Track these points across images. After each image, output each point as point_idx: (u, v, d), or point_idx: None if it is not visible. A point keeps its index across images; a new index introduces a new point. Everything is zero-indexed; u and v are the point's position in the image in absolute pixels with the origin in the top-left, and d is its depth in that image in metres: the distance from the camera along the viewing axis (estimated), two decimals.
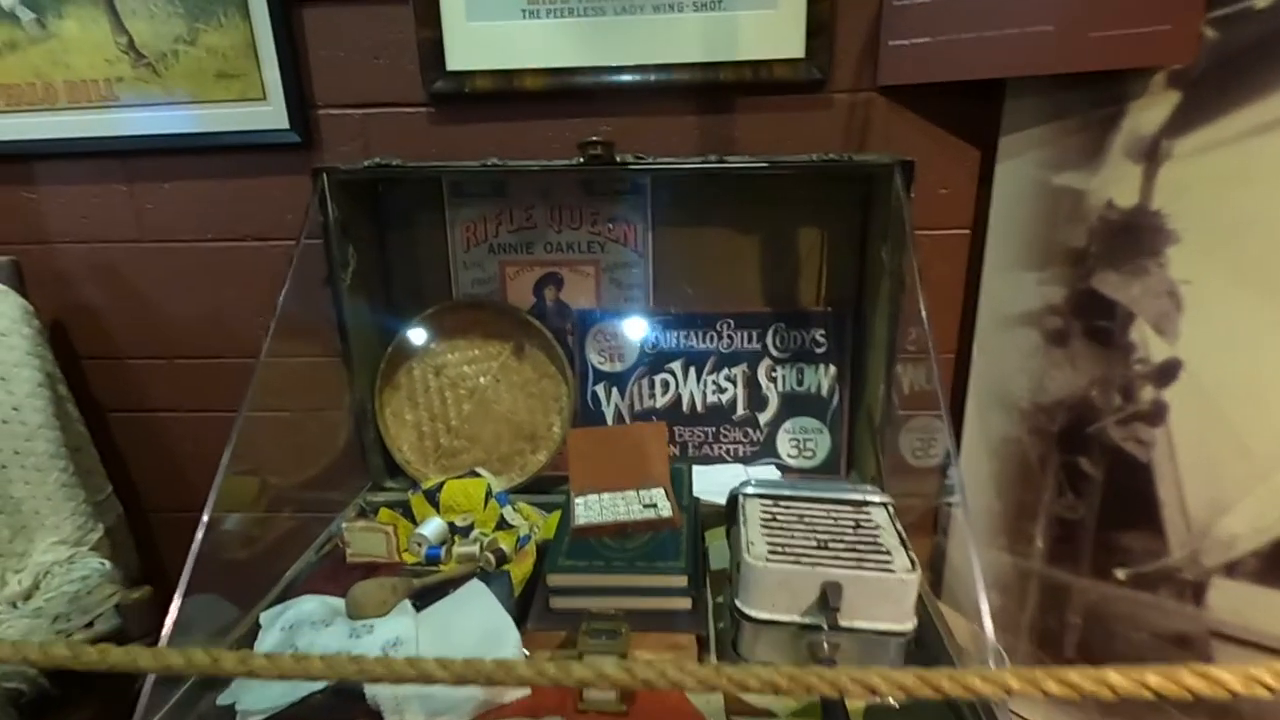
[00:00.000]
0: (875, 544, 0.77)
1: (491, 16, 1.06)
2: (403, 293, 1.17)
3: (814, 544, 0.77)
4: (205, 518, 0.76)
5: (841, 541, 0.78)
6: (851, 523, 0.82)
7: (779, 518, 0.83)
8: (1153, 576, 1.05)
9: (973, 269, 1.16)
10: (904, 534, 0.79)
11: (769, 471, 1.15)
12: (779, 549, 0.76)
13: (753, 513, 0.83)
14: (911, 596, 0.72)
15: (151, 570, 1.38)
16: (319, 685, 0.69)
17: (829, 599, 0.71)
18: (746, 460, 1.16)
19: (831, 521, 0.82)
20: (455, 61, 1.08)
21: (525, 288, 1.16)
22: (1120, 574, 1.08)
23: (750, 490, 0.87)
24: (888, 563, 0.74)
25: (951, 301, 1.19)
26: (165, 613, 0.73)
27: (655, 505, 0.89)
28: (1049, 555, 1.16)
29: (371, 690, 0.69)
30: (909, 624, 0.73)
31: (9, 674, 0.92)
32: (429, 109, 1.13)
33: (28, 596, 1.10)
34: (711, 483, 1.11)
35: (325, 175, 0.99)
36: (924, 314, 0.84)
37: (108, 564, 1.17)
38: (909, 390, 1.13)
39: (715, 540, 1.01)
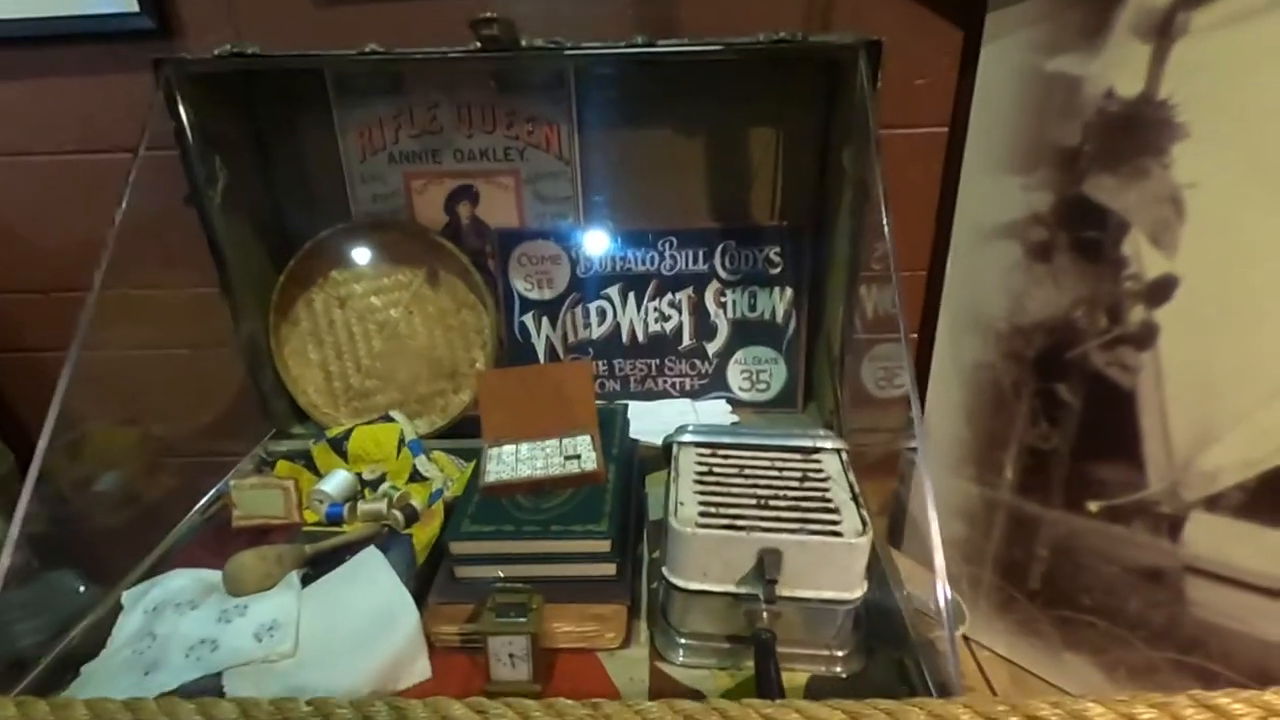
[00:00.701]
0: (823, 500, 0.67)
1: None
2: (293, 211, 1.00)
3: (753, 502, 0.67)
4: (31, 479, 0.64)
5: (785, 498, 0.68)
6: (798, 474, 0.71)
7: (715, 470, 0.72)
8: (1127, 509, 0.98)
9: (949, 174, 1.02)
10: (857, 486, 0.69)
11: (719, 407, 1.04)
12: (711, 510, 0.66)
13: (686, 465, 0.73)
14: (861, 562, 0.63)
15: None
16: (170, 685, 0.59)
17: (766, 569, 0.61)
18: (695, 394, 1.05)
19: (775, 474, 0.72)
20: None
21: (435, 203, 1.00)
22: (1093, 506, 1.01)
23: (686, 438, 0.76)
24: (835, 523, 0.64)
25: (924, 212, 1.06)
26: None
27: (578, 456, 0.78)
28: (1018, 486, 1.08)
29: (233, 690, 0.59)
30: (857, 592, 0.64)
31: None
32: None
33: None
34: (655, 421, 1.01)
35: (170, 68, 0.81)
36: (887, 227, 0.70)
37: None
38: (873, 314, 1.01)
39: (657, 486, 0.91)
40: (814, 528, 0.63)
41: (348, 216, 1.00)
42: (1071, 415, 0.99)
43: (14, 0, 0.95)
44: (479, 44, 0.75)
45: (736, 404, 1.05)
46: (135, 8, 0.94)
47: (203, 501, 0.87)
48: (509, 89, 0.94)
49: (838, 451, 0.75)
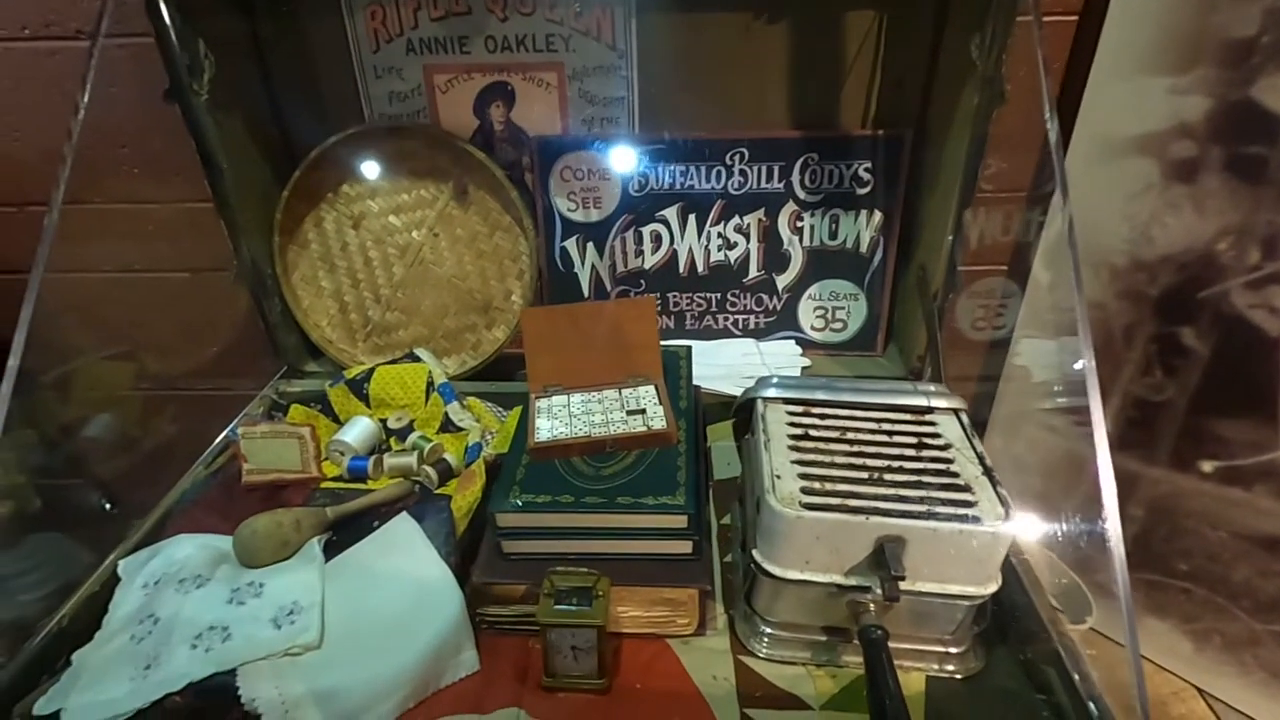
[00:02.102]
0: (948, 474, 0.56)
1: None
2: (296, 112, 0.85)
3: (864, 475, 0.56)
4: None
5: (902, 471, 0.56)
6: (913, 440, 0.60)
7: (812, 434, 0.60)
8: (1249, 471, 0.87)
9: (1073, 74, 0.85)
10: (987, 458, 0.57)
11: (786, 348, 0.91)
12: (816, 486, 0.54)
13: (776, 427, 0.61)
14: (1001, 554, 0.52)
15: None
16: (176, 685, 0.50)
17: (888, 560, 0.50)
18: (759, 334, 0.92)
19: (885, 439, 0.60)
20: None
21: (463, 104, 0.84)
22: (1207, 466, 0.90)
23: (771, 392, 0.64)
24: (969, 504, 0.52)
25: (1034, 121, 0.89)
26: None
27: (643, 411, 0.66)
28: (1117, 440, 0.96)
29: (249, 691, 0.50)
30: (991, 586, 0.53)
31: None
32: None
33: None
34: (714, 364, 0.89)
35: None
36: (1054, 139, 0.55)
37: None
38: (977, 243, 0.87)
39: (718, 439, 0.80)
40: (944, 511, 0.52)
41: (360, 119, 0.85)
42: (1194, 364, 0.87)
43: None
44: None
45: (806, 345, 0.92)
46: None
47: (207, 452, 0.76)
48: None
49: (955, 412, 0.63)
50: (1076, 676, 0.52)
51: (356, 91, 0.84)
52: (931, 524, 0.51)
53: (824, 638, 0.57)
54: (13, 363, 0.52)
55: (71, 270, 1.02)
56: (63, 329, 0.65)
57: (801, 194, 0.85)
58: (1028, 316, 0.97)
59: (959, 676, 0.56)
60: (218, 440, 0.78)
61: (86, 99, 0.60)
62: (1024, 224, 0.89)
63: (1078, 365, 0.54)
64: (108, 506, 0.87)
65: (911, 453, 0.58)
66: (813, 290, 0.90)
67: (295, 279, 0.88)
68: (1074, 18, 0.83)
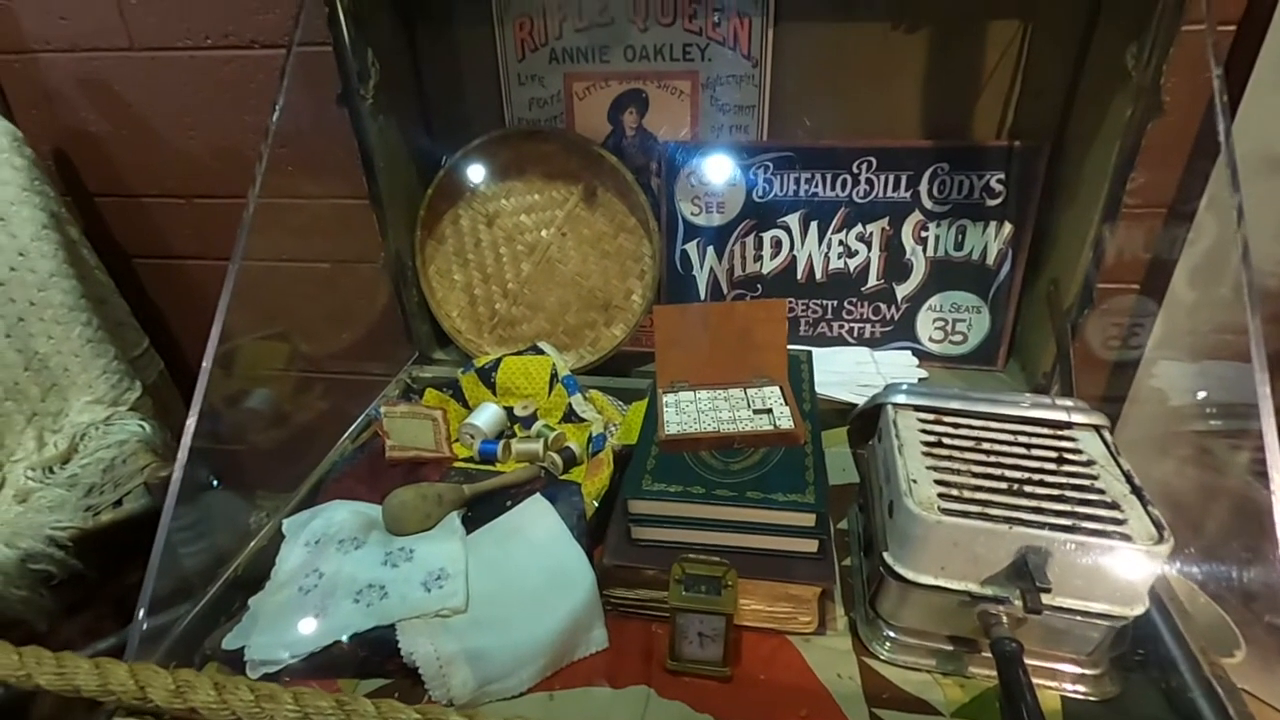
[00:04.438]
0: (1094, 490, 0.54)
1: None
2: (444, 116, 0.91)
3: (1003, 486, 0.55)
4: (195, 406, 0.59)
5: (1043, 484, 0.55)
6: (1053, 454, 0.59)
7: (946, 441, 0.60)
8: None
9: (1229, 87, 0.81)
10: (1135, 476, 0.56)
11: (903, 358, 0.91)
12: (954, 493, 0.54)
13: (909, 432, 0.61)
14: (1152, 575, 0.50)
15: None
16: (343, 633, 0.54)
17: (1031, 572, 0.50)
18: (875, 343, 0.92)
19: (1023, 451, 0.59)
20: None
21: (598, 111, 0.88)
22: None
23: (901, 399, 0.64)
24: (1119, 522, 0.51)
25: (1180, 136, 0.86)
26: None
27: (770, 411, 0.67)
28: (1254, 473, 0.91)
29: (408, 645, 0.54)
30: (1138, 608, 0.52)
31: (37, 555, 0.84)
32: None
33: (65, 460, 1.02)
34: (829, 370, 0.89)
35: None
36: (1227, 154, 0.54)
37: (148, 426, 1.06)
38: (1115, 259, 0.84)
39: (832, 445, 0.80)
40: (1091, 526, 0.51)
41: (501, 123, 0.90)
42: None
43: None
44: None
45: (923, 356, 0.91)
46: None
47: (353, 427, 0.83)
48: None
49: (1097, 429, 0.61)
50: (1232, 710, 0.50)
51: (499, 97, 0.89)
52: (1079, 538, 0.50)
53: (950, 647, 0.57)
54: (213, 339, 0.58)
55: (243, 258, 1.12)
56: (229, 309, 0.72)
57: (928, 204, 0.85)
58: (1164, 336, 0.93)
59: (1094, 699, 0.55)
60: (361, 418, 0.85)
61: (282, 101, 0.67)
62: (1166, 240, 0.85)
63: (1259, 397, 0.52)
64: (215, 483, 0.96)
65: (1052, 466, 0.57)
66: (933, 301, 0.89)
67: (431, 272, 0.94)
68: (1231, 27, 0.80)
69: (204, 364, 0.59)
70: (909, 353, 0.91)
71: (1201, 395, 0.88)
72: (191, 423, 0.58)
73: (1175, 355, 0.89)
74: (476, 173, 0.90)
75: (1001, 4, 0.76)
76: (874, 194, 0.85)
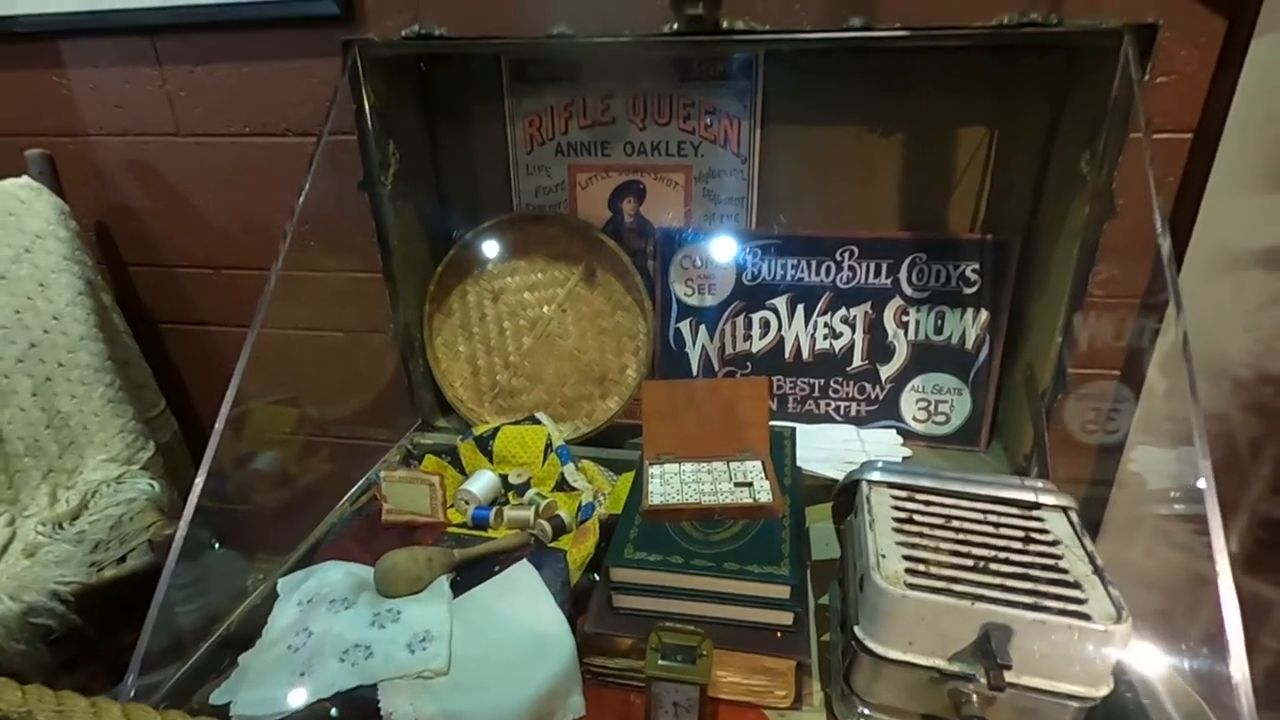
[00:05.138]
0: (1057, 570, 0.56)
1: None
2: (456, 200, 0.98)
3: (969, 563, 0.57)
4: (205, 466, 0.63)
5: (1009, 563, 0.57)
6: (1019, 534, 0.61)
7: (916, 518, 0.62)
8: None
9: (1188, 188, 0.87)
10: (1098, 558, 0.58)
11: (888, 437, 0.93)
12: (921, 568, 0.56)
13: (881, 508, 0.63)
14: (1114, 655, 0.52)
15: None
16: (326, 692, 0.56)
17: (994, 649, 0.51)
18: (860, 422, 0.95)
19: (991, 530, 0.61)
20: None
21: (599, 199, 0.95)
22: None
23: (876, 476, 0.67)
24: (1079, 602, 0.53)
25: (1149, 230, 0.91)
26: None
27: (750, 484, 0.70)
28: (1246, 563, 0.91)
29: (389, 705, 0.55)
30: (1103, 689, 0.52)
31: (39, 609, 0.86)
32: None
33: (75, 516, 1.05)
34: (815, 447, 0.91)
35: (358, 50, 0.80)
36: (1166, 253, 0.58)
37: (157, 485, 1.10)
38: (1088, 346, 0.88)
39: (817, 520, 0.82)
40: (1053, 605, 0.52)
41: (510, 208, 0.97)
42: None
43: None
44: (677, 25, 0.69)
45: (908, 435, 0.94)
46: None
47: (352, 491, 0.86)
48: (690, 79, 0.87)
49: (1064, 510, 0.63)
50: None
51: (509, 184, 0.96)
52: (1040, 616, 0.51)
53: None
54: (227, 402, 0.63)
55: (261, 326, 1.18)
56: (244, 374, 0.77)
57: (908, 290, 0.89)
58: (1143, 422, 0.95)
59: None
60: (361, 481, 0.88)
61: (308, 186, 0.74)
62: (1137, 330, 0.89)
63: (1199, 483, 0.54)
64: (216, 544, 0.99)
65: (1019, 545, 0.59)
66: (916, 382, 0.92)
67: (438, 343, 0.99)
68: (1188, 135, 0.86)
69: (216, 425, 0.63)
70: (894, 431, 0.94)
71: (1174, 481, 0.90)
72: (199, 482, 0.61)
73: (1152, 441, 0.91)
74: (485, 252, 0.97)
75: (967, 113, 0.82)
76: (856, 280, 0.90)
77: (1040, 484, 0.65)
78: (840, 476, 0.83)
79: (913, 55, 0.80)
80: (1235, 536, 0.92)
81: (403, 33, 0.78)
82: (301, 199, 0.74)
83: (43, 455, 1.10)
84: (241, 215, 1.14)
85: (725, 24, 0.69)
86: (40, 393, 1.08)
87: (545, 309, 0.97)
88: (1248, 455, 0.88)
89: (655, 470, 0.74)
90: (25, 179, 1.07)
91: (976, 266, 0.87)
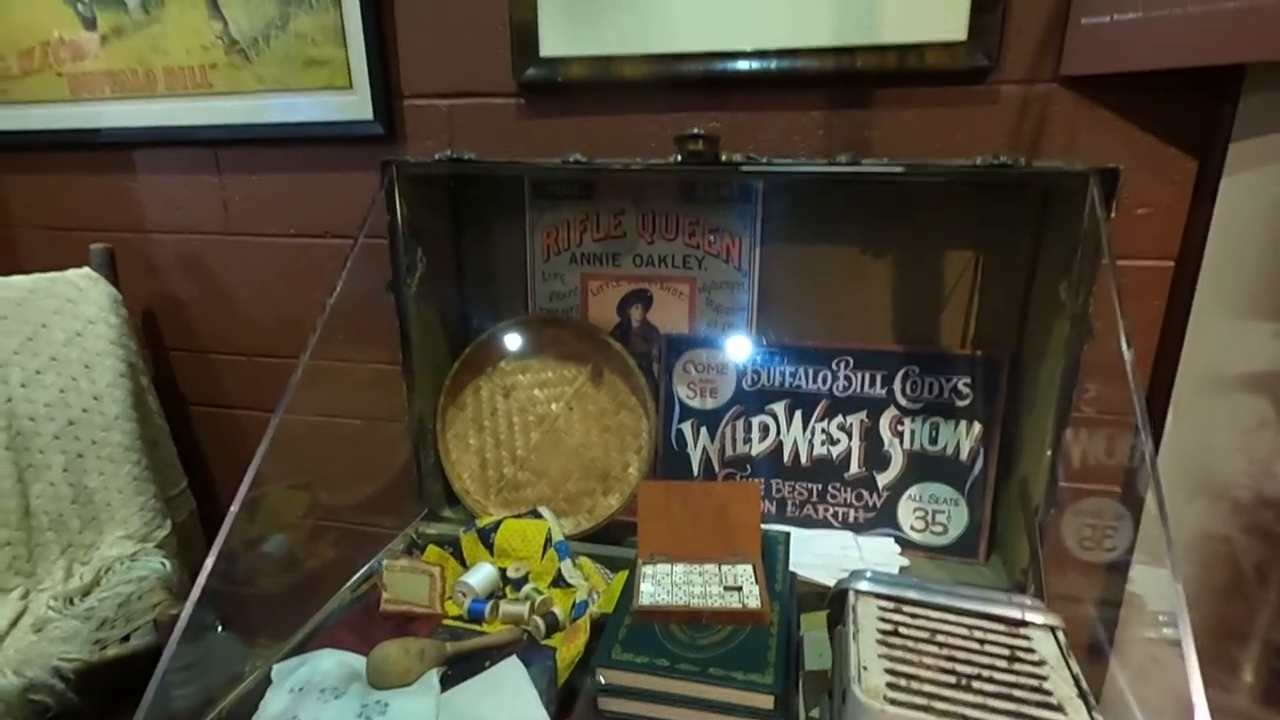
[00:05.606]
0: (1040, 691, 0.56)
1: None
2: (476, 302, 1.05)
3: (951, 680, 0.57)
4: (216, 548, 0.66)
5: (991, 681, 0.57)
6: (1005, 652, 0.61)
7: (902, 630, 0.63)
8: None
9: (1174, 313, 0.90)
10: (1083, 680, 0.57)
11: (886, 546, 0.94)
12: (902, 683, 0.56)
13: (867, 619, 0.64)
14: None
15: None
16: None
17: None
18: (858, 528, 0.96)
19: (976, 647, 0.61)
20: (549, 47, 0.96)
21: (609, 305, 1.01)
22: None
23: (864, 586, 0.68)
24: None
25: (1140, 353, 0.93)
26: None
27: (740, 589, 0.71)
28: (1261, 693, 0.88)
29: None
30: None
31: (40, 685, 0.88)
32: (519, 100, 1.01)
33: (86, 592, 1.07)
34: (812, 553, 0.92)
35: (394, 169, 0.88)
36: (1131, 372, 0.61)
37: (169, 565, 1.12)
38: (1081, 463, 0.89)
39: (813, 628, 0.81)
40: None
41: (525, 310, 1.03)
42: None
43: (274, 106, 1.10)
44: (680, 158, 0.76)
45: (906, 545, 0.94)
46: (370, 116, 1.05)
47: (355, 578, 0.88)
48: (695, 199, 0.95)
49: (1052, 630, 0.63)
50: None
51: (525, 289, 1.03)
52: None
53: None
54: (245, 484, 0.67)
55: (288, 412, 1.24)
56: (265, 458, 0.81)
57: (902, 401, 0.92)
58: (1144, 542, 0.94)
59: None
60: (363, 569, 0.90)
61: (340, 286, 0.80)
62: (1130, 449, 0.90)
63: (1169, 633, 0.55)
64: (218, 626, 1.00)
65: (1003, 664, 0.59)
66: (913, 491, 0.94)
67: (449, 435, 1.03)
68: (1170, 263, 0.90)
69: (232, 508, 0.66)
70: (892, 540, 0.94)
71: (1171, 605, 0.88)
72: (209, 564, 0.64)
73: (1152, 561, 0.90)
74: (500, 350, 1.02)
75: (954, 238, 0.88)
76: (852, 389, 0.93)
77: (1029, 601, 0.66)
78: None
79: (901, 185, 0.87)
80: (1249, 666, 0.89)
81: (435, 156, 0.87)
82: (334, 296, 0.80)
83: (64, 530, 1.14)
84: (277, 307, 1.22)
85: (724, 157, 0.76)
86: (71, 468, 1.13)
87: (553, 406, 1.01)
88: (1254, 580, 0.87)
89: (648, 570, 0.75)
90: (86, 270, 1.17)
91: (968, 380, 0.90)
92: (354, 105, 1.06)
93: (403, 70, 1.04)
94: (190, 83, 1.13)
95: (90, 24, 1.14)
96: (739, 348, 0.97)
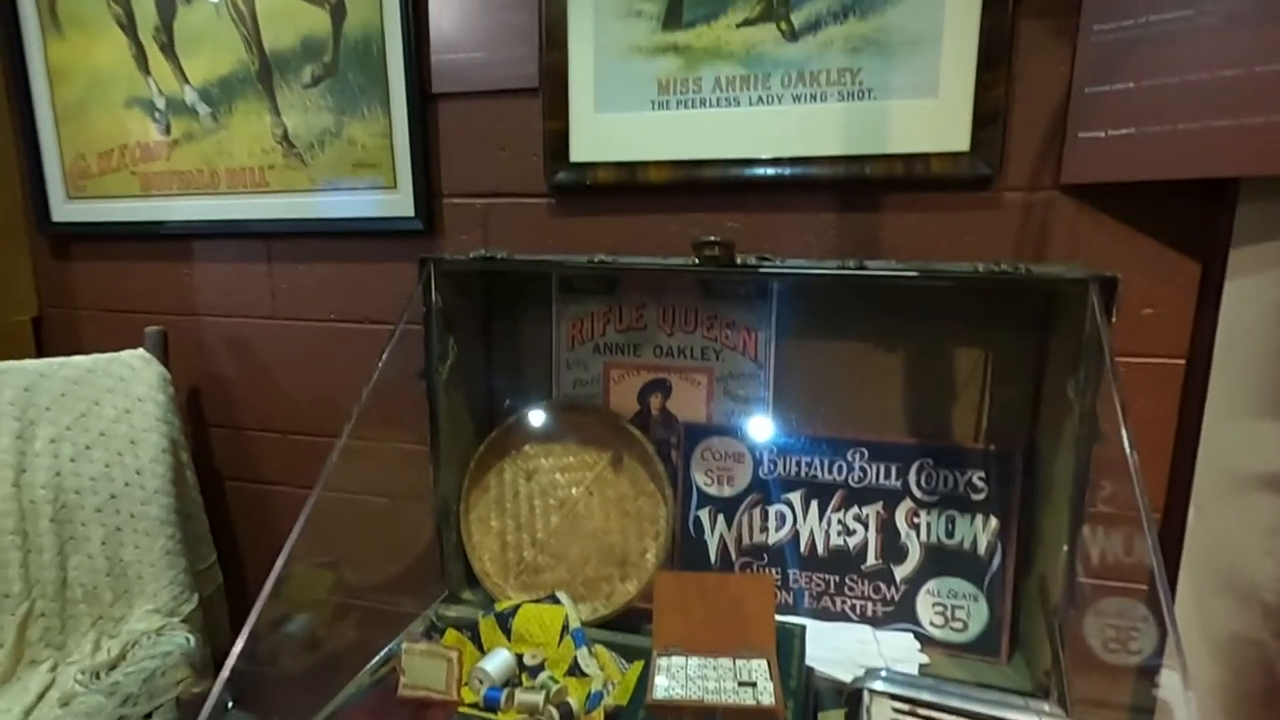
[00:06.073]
0: None
1: (620, 108, 1.01)
2: (502, 388, 1.10)
3: None
4: (246, 629, 0.68)
5: None
6: None
7: None
8: None
9: (1188, 409, 0.91)
10: None
11: (905, 642, 0.93)
12: None
13: None
14: None
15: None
16: None
17: None
18: (877, 622, 0.95)
19: None
20: (579, 153, 1.03)
21: (629, 393, 1.05)
22: None
23: (879, 685, 0.68)
24: None
25: (1156, 449, 0.94)
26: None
27: (754, 684, 0.71)
28: None
29: None
30: None
31: None
32: (549, 200, 1.08)
33: (113, 666, 1.09)
34: (830, 647, 0.91)
35: (432, 265, 0.95)
36: (1135, 474, 0.63)
37: (193, 640, 1.14)
38: (1100, 560, 0.88)
39: None
40: None
41: (549, 396, 1.08)
42: None
43: (325, 203, 1.19)
44: (696, 261, 0.81)
45: (926, 641, 0.93)
46: (411, 213, 1.14)
47: (374, 661, 0.89)
48: (713, 295, 1.00)
49: None
50: None
51: (550, 376, 1.08)
52: None
53: None
54: (277, 567, 0.70)
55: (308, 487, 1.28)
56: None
57: (917, 493, 0.93)
58: (1171, 645, 0.92)
59: None
60: (382, 652, 0.91)
61: (379, 370, 0.86)
62: (1144, 546, 0.89)
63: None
64: (230, 706, 1.01)
65: None
66: (931, 585, 0.93)
67: (472, 517, 1.06)
68: (1180, 361, 0.91)
69: (264, 590, 0.69)
70: (911, 636, 0.93)
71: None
72: (238, 646, 0.67)
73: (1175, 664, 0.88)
74: (524, 434, 1.06)
75: (963, 337, 0.91)
76: (868, 480, 0.95)
77: (1047, 708, 0.65)
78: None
79: (910, 288, 0.91)
80: None
81: (470, 254, 0.94)
82: (372, 382, 0.85)
83: (97, 602, 1.17)
84: (313, 387, 1.28)
85: (740, 260, 0.81)
86: (109, 541, 1.17)
87: (574, 490, 1.04)
88: None
89: (663, 662, 0.76)
90: (140, 350, 1.24)
91: (982, 474, 0.91)
92: (397, 203, 1.15)
93: (443, 172, 1.13)
94: (249, 181, 1.23)
95: (165, 130, 1.25)
96: (755, 437, 0.99)
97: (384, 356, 0.90)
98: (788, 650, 0.79)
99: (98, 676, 1.07)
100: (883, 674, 0.69)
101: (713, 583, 0.79)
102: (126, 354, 1.24)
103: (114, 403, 1.21)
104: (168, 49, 1.22)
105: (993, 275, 0.75)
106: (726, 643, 0.77)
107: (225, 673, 0.65)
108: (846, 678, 0.86)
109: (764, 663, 0.74)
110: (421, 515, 1.06)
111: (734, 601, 0.77)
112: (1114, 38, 0.85)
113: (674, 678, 0.73)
